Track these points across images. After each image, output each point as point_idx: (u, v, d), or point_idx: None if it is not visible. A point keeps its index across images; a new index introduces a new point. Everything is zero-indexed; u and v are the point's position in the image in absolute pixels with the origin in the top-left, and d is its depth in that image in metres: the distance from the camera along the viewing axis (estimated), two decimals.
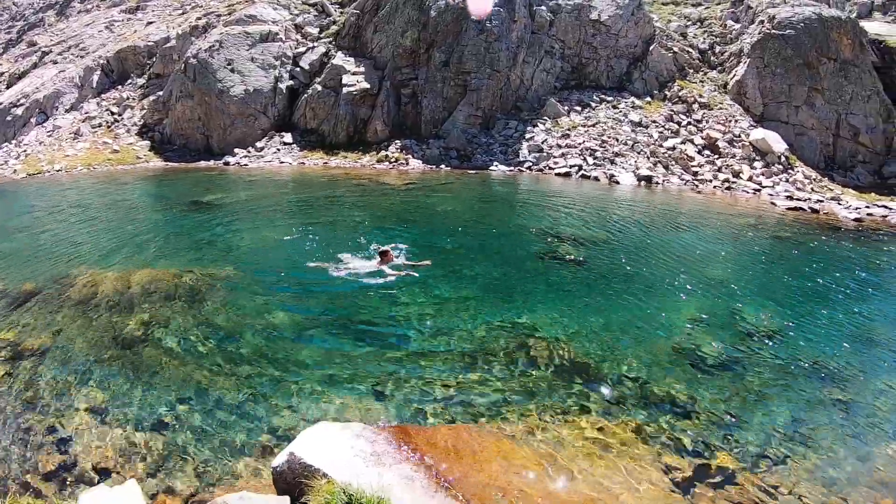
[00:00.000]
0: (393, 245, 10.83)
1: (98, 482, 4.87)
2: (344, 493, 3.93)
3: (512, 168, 22.63)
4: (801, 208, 20.75)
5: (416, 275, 9.76)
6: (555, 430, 5.87)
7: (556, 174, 22.24)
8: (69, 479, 5.02)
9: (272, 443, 5.59)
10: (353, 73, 24.85)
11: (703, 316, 9.08)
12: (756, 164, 23.98)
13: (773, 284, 11.24)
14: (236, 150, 25.12)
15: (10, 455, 5.38)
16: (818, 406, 6.90)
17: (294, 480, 4.33)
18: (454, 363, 7.20)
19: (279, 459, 4.60)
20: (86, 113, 29.74)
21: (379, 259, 10.00)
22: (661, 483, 5.20)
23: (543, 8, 25.59)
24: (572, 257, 11.64)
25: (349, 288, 9.60)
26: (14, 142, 28.40)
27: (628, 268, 11.10)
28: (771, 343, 8.42)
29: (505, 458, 5.22)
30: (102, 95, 30.31)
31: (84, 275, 10.14)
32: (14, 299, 9.31)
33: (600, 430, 5.93)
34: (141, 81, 29.45)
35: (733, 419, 6.41)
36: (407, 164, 23.18)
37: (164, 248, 12.13)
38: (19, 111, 29.17)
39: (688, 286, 10.37)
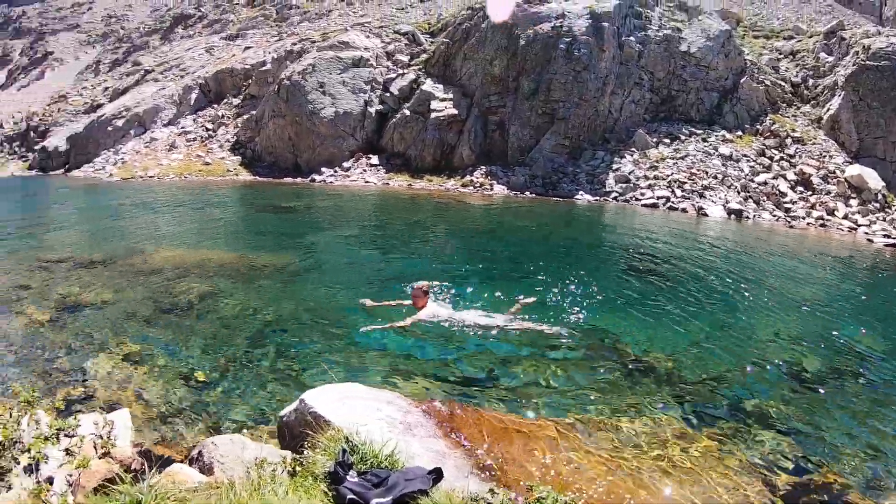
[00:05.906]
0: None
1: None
2: (347, 440, 3.33)
3: (598, 198, 22.63)
4: None
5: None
6: (629, 434, 5.20)
7: (643, 205, 22.07)
8: (80, 410, 5.00)
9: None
10: (442, 100, 25.55)
11: (798, 334, 8.58)
12: (851, 201, 23.13)
13: (872, 310, 10.73)
14: (323, 169, 26.04)
15: (35, 383, 5.59)
16: None
17: (301, 432, 3.67)
18: (529, 359, 6.69)
19: (287, 409, 4.04)
20: (182, 128, 31.67)
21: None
22: (754, 495, 4.55)
23: (632, 39, 25.72)
24: (660, 275, 11.44)
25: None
26: (112, 150, 30.53)
27: (719, 288, 10.80)
28: (876, 364, 7.81)
29: (561, 452, 4.51)
30: (199, 112, 32.22)
31: (151, 251, 11.09)
32: (79, 264, 10.13)
33: (681, 437, 5.25)
34: (236, 101, 31.17)
35: (836, 437, 5.69)
36: (491, 189, 23.52)
37: (235, 238, 13.24)
38: (120, 123, 31.36)
39: (782, 307, 10.00)
